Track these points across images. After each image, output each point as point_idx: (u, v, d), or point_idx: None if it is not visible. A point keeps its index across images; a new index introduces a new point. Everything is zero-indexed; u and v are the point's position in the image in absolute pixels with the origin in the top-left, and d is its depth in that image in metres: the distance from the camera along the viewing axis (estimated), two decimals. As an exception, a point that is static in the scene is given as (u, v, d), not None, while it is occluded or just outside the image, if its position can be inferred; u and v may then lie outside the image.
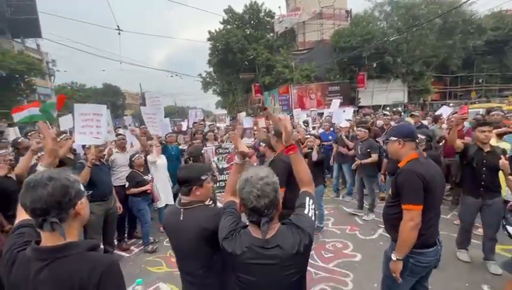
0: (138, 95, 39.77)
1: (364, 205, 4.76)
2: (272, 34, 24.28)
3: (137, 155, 3.87)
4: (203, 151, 3.78)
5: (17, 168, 2.69)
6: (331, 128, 7.01)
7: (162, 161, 4.33)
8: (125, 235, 4.26)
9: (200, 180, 1.54)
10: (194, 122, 8.04)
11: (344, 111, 8.36)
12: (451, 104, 18.73)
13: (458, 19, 19.83)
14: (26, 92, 20.34)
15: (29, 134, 5.12)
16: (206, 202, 1.65)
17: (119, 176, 4.03)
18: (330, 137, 6.38)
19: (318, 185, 3.96)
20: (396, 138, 1.88)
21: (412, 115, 5.55)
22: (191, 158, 2.76)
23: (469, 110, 9.29)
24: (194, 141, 5.01)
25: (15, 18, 21.29)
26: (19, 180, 2.59)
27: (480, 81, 23.68)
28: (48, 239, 0.94)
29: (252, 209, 1.11)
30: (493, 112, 4.63)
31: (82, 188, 1.03)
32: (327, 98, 17.79)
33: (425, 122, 6.11)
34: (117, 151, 4.17)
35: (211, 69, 27.15)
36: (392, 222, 1.84)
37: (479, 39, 20.68)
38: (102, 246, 3.49)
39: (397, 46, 19.18)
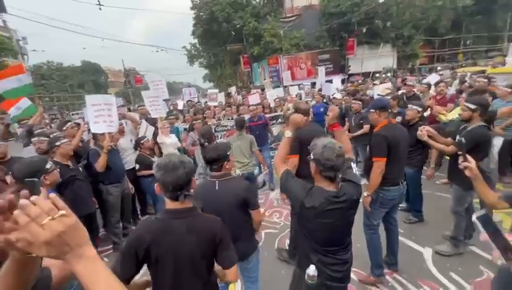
0: (121, 72, 37.99)
1: (357, 171, 5.13)
2: (257, 0, 23.11)
3: (146, 138, 3.99)
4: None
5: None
6: (324, 100, 7.19)
7: (171, 139, 4.51)
8: (138, 213, 4.54)
9: (227, 156, 1.84)
10: (188, 101, 8.04)
11: (331, 81, 8.37)
12: (439, 68, 19.04)
13: (448, -23, 19.33)
14: (1, 75, 19.18)
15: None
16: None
17: (127, 160, 4.13)
18: (322, 109, 6.56)
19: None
20: (374, 110, 2.47)
21: (406, 85, 5.74)
22: (206, 139, 2.90)
23: (456, 73, 9.42)
24: (194, 122, 5.14)
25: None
26: None
27: (467, 43, 23.78)
28: (175, 206, 1.30)
29: (332, 167, 1.45)
30: (477, 79, 4.82)
31: None
32: (317, 68, 17.63)
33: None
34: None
35: (196, 41, 26.01)
36: (369, 170, 2.49)
37: (468, -1, 20.45)
38: (120, 224, 3.76)
39: (387, 9, 18.77)
